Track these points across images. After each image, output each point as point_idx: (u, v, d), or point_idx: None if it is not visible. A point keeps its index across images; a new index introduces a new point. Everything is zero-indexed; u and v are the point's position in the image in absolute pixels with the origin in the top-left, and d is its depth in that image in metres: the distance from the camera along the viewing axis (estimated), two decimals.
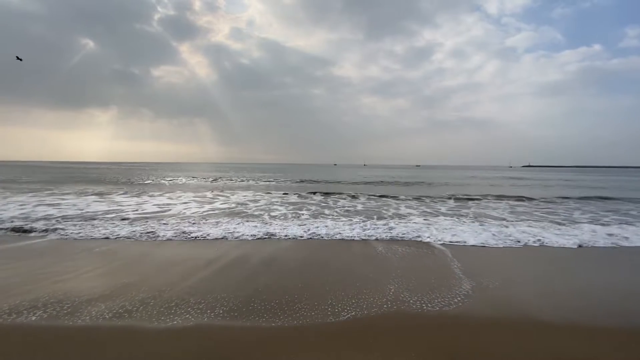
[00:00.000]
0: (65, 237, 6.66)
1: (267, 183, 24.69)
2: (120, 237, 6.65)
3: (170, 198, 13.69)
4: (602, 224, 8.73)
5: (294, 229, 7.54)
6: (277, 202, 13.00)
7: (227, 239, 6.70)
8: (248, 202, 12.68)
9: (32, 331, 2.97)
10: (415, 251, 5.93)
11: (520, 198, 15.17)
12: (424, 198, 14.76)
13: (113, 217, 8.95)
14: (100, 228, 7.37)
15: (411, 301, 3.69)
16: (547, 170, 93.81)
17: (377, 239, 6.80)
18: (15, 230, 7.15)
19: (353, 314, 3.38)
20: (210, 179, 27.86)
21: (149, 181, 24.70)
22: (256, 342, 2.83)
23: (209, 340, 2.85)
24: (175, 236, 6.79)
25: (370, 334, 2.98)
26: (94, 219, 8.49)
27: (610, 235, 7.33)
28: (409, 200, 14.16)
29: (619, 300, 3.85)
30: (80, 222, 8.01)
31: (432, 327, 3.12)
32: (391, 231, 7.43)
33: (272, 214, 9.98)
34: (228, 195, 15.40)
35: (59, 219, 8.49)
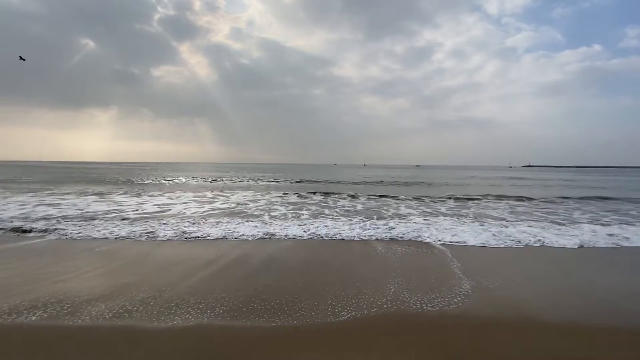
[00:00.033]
0: (66, 237, 6.67)
1: (267, 183, 24.70)
2: (121, 237, 6.65)
3: (170, 198, 13.69)
4: (602, 224, 8.73)
5: (294, 229, 7.54)
6: (277, 202, 13.00)
7: (227, 239, 6.70)
8: (248, 202, 12.68)
9: (32, 331, 2.97)
10: (415, 251, 5.94)
11: (520, 198, 15.17)
12: (424, 198, 14.76)
13: (113, 217, 8.95)
14: (100, 228, 7.37)
15: (411, 301, 3.69)
16: (547, 170, 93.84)
17: (377, 239, 6.80)
18: (16, 230, 7.15)
19: (353, 314, 3.38)
20: (210, 179, 27.86)
21: (149, 181, 24.70)
22: (256, 342, 2.83)
23: (209, 340, 2.85)
24: (175, 236, 6.79)
25: (370, 334, 2.98)
26: (94, 219, 8.49)
27: (610, 235, 7.34)
28: (409, 200, 14.16)
29: (619, 300, 3.85)
30: (81, 222, 8.01)
31: (432, 327, 3.12)
32: (391, 231, 7.43)
33: (272, 214, 9.98)
34: (228, 195, 15.40)
35: (59, 219, 8.50)
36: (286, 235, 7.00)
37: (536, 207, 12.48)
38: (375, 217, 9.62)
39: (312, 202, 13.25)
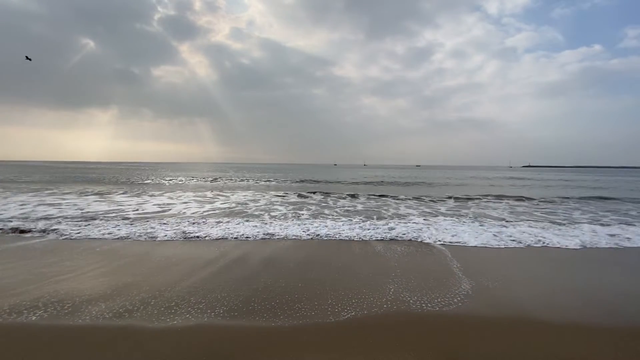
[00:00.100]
0: (66, 237, 6.67)
1: (267, 183, 24.70)
2: (121, 237, 6.66)
3: (170, 198, 13.70)
4: (602, 224, 8.74)
5: (294, 229, 7.55)
6: (277, 202, 13.01)
7: (227, 238, 6.71)
8: (248, 202, 12.68)
9: (33, 331, 2.97)
10: (415, 251, 5.94)
11: (520, 198, 15.18)
12: (424, 198, 14.77)
13: (113, 216, 8.96)
14: (100, 228, 7.38)
15: (411, 301, 3.70)
16: (547, 171, 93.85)
17: (377, 239, 6.81)
18: (16, 230, 7.15)
19: (353, 313, 3.39)
20: (210, 179, 27.87)
21: (149, 181, 24.70)
22: (256, 342, 2.83)
23: (209, 339, 2.86)
24: (175, 236, 6.80)
25: (370, 334, 2.99)
26: (95, 219, 8.49)
27: (611, 235, 7.34)
28: (409, 200, 14.17)
29: (619, 301, 3.86)
30: (81, 222, 8.01)
31: (432, 327, 3.13)
32: (391, 231, 7.43)
33: (272, 213, 9.98)
34: (228, 195, 15.41)
35: (59, 218, 8.50)
36: (286, 235, 7.01)
37: (536, 207, 12.49)
38: (375, 217, 9.63)
39: (312, 202, 13.26)
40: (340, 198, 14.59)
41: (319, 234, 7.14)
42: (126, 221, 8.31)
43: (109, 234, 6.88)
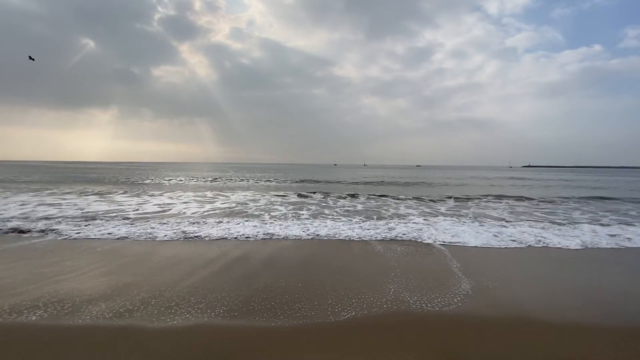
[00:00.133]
0: (66, 236, 6.67)
1: (267, 183, 24.70)
2: (121, 237, 6.66)
3: (170, 198, 13.70)
4: (602, 224, 8.74)
5: (294, 229, 7.55)
6: (277, 202, 13.01)
7: (227, 238, 6.71)
8: (248, 202, 12.68)
9: (33, 330, 2.97)
10: (415, 251, 5.94)
11: (520, 198, 15.18)
12: (424, 198, 14.77)
13: (114, 216, 8.96)
14: (100, 228, 7.38)
15: (411, 301, 3.70)
16: (547, 171, 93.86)
17: (377, 239, 6.81)
18: (16, 230, 7.15)
19: (353, 313, 3.39)
20: (210, 179, 27.87)
21: (149, 181, 24.70)
22: (256, 342, 2.83)
23: (209, 339, 2.86)
24: (176, 236, 6.80)
25: (370, 334, 2.99)
26: (95, 219, 8.49)
27: (610, 235, 7.35)
28: (409, 200, 14.17)
29: (618, 300, 3.86)
30: (81, 222, 8.02)
31: (432, 327, 3.13)
32: (391, 231, 7.44)
33: (272, 213, 9.98)
34: (228, 195, 15.41)
35: (59, 218, 8.50)
36: (286, 235, 7.01)
37: (536, 207, 12.49)
38: (375, 217, 9.63)
39: (312, 202, 13.26)
40: (340, 198, 14.59)
41: (319, 234, 7.14)
42: (126, 221, 8.31)
43: (109, 234, 6.88)
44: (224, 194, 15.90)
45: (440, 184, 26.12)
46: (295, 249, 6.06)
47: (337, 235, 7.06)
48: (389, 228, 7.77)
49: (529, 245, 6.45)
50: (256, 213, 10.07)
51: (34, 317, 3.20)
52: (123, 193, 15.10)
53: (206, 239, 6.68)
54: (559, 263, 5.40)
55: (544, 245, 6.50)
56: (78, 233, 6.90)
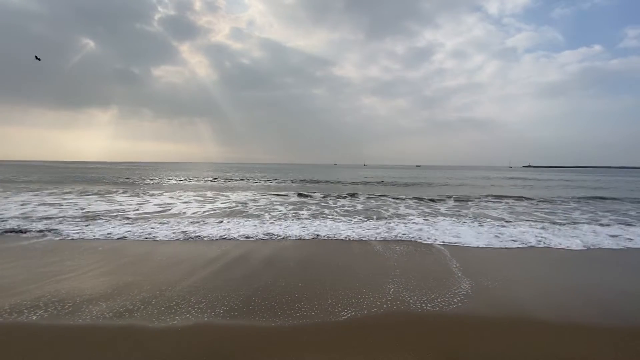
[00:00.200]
0: (67, 236, 6.68)
1: (267, 183, 24.70)
2: (121, 237, 6.66)
3: (170, 198, 13.70)
4: (602, 225, 8.74)
5: (294, 229, 7.56)
6: (277, 201, 13.01)
7: (227, 238, 6.71)
8: (248, 202, 12.69)
9: (34, 330, 2.98)
10: (415, 251, 5.95)
11: (519, 198, 15.19)
12: (423, 198, 14.77)
13: (114, 216, 8.96)
14: (101, 227, 7.38)
15: (411, 301, 3.70)
16: (547, 171, 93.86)
17: (377, 239, 6.81)
18: (17, 229, 7.16)
19: (353, 313, 3.39)
20: (210, 179, 27.87)
21: (149, 181, 24.71)
22: (256, 342, 2.84)
23: (209, 339, 2.86)
24: (176, 236, 6.80)
25: (370, 334, 2.99)
26: (95, 219, 8.50)
27: (610, 236, 7.35)
28: (409, 200, 14.17)
29: (618, 300, 3.87)
30: (81, 222, 8.02)
31: (431, 327, 3.14)
32: (391, 231, 7.44)
33: (272, 213, 9.99)
34: (228, 194, 15.41)
35: (60, 218, 8.50)
36: (286, 235, 7.01)
37: (536, 207, 12.49)
38: (375, 217, 9.63)
39: (312, 202, 13.26)
40: (340, 198, 14.59)
41: (319, 234, 7.14)
42: (127, 221, 8.32)
43: (109, 233, 6.88)
44: (224, 193, 15.90)
45: (440, 184, 26.12)
46: (295, 249, 6.06)
47: (337, 235, 7.06)
48: (388, 228, 7.77)
49: (529, 246, 6.45)
50: (256, 213, 10.07)
51: (34, 317, 3.20)
52: (123, 193, 15.10)
53: (206, 238, 6.69)
54: (559, 263, 5.40)
55: (544, 245, 6.50)
56: (79, 233, 6.91)
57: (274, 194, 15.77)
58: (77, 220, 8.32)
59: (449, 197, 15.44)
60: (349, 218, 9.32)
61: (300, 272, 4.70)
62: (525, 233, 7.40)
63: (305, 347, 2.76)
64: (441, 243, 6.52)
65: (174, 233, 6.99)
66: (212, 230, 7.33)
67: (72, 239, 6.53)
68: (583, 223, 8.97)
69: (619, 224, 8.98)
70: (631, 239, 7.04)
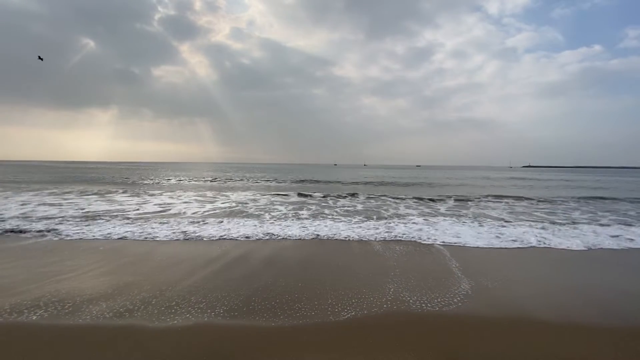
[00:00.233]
0: (67, 236, 6.68)
1: (267, 183, 24.70)
2: (122, 237, 6.67)
3: (170, 197, 13.70)
4: (601, 225, 8.74)
5: (294, 229, 7.56)
6: (277, 201, 13.01)
7: (227, 238, 6.71)
8: (248, 202, 12.69)
9: (34, 330, 2.98)
10: (415, 251, 5.95)
11: (519, 198, 15.18)
12: (423, 198, 14.77)
13: (114, 216, 8.96)
14: (101, 227, 7.38)
15: (411, 301, 3.70)
16: (547, 171, 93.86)
17: (376, 239, 6.81)
18: (17, 229, 7.16)
19: (353, 313, 3.39)
20: (211, 179, 27.87)
21: (149, 181, 24.71)
22: (256, 341, 2.84)
23: (209, 339, 2.86)
24: (176, 236, 6.80)
25: (370, 334, 2.99)
26: (95, 219, 8.50)
27: (611, 236, 7.35)
28: (409, 200, 14.17)
29: (618, 300, 3.87)
30: (82, 222, 8.02)
31: (431, 327, 3.14)
32: (391, 231, 7.44)
33: (272, 213, 9.99)
34: (228, 194, 15.41)
35: (60, 218, 8.50)
36: (286, 235, 7.01)
37: (536, 207, 12.49)
38: (375, 217, 9.63)
39: (312, 202, 13.26)
40: (340, 198, 14.59)
41: (319, 234, 7.14)
42: (127, 221, 8.32)
43: (109, 233, 6.88)
44: (224, 193, 15.90)
45: (440, 184, 26.12)
46: (295, 249, 6.06)
47: (337, 235, 7.06)
48: (388, 228, 7.77)
49: (529, 246, 6.45)
50: (256, 213, 10.08)
51: (34, 317, 3.20)
52: (123, 193, 15.10)
53: (206, 238, 6.69)
54: (558, 263, 5.40)
55: (544, 245, 6.50)
56: (79, 233, 6.91)
57: (274, 194, 15.77)
58: (77, 220, 8.32)
59: (449, 197, 15.44)
60: (349, 218, 9.32)
61: (300, 272, 4.71)
62: (525, 233, 7.40)
63: (305, 347, 2.76)
64: (441, 243, 6.52)
65: (174, 233, 6.99)
66: (212, 230, 7.34)
67: (72, 239, 6.53)
68: (583, 223, 8.97)
69: (619, 224, 8.97)
70: (632, 239, 7.04)
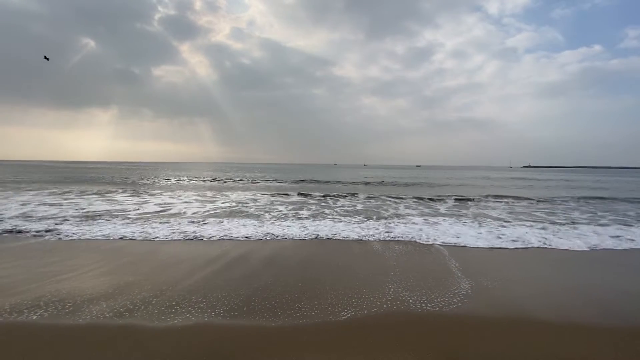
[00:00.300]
0: (67, 236, 6.68)
1: (267, 183, 24.71)
2: (122, 237, 6.67)
3: (170, 197, 13.71)
4: (601, 225, 8.74)
5: (294, 229, 7.56)
6: (277, 201, 13.01)
7: (227, 238, 6.71)
8: (248, 202, 12.69)
9: (34, 330, 2.98)
10: (415, 251, 5.95)
11: (519, 198, 15.19)
12: (423, 198, 14.77)
13: (114, 216, 8.97)
14: (101, 227, 7.39)
15: (410, 301, 3.70)
16: (547, 171, 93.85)
17: (376, 239, 6.81)
18: (17, 229, 7.16)
19: (353, 313, 3.39)
20: (211, 179, 27.88)
21: (149, 181, 24.71)
22: (257, 341, 2.84)
23: (209, 339, 2.86)
24: (176, 236, 6.80)
25: (370, 334, 2.99)
26: (95, 219, 8.50)
27: (611, 236, 7.35)
28: (409, 200, 14.17)
29: (618, 300, 3.87)
30: (82, 222, 8.02)
31: (431, 327, 3.14)
32: (391, 231, 7.44)
33: (272, 213, 9.99)
34: (228, 194, 15.41)
35: (60, 218, 8.51)
36: (286, 235, 7.01)
37: (535, 207, 12.49)
38: (374, 217, 9.63)
39: (312, 201, 13.26)
40: (340, 198, 14.59)
41: (319, 234, 7.14)
42: (127, 221, 8.32)
43: (109, 233, 6.88)
44: (224, 193, 15.91)
45: (440, 184, 26.12)
46: (295, 249, 6.07)
47: (336, 235, 7.06)
48: (388, 228, 7.78)
49: (529, 246, 6.45)
50: (256, 213, 10.08)
51: (34, 317, 3.20)
52: (123, 193, 15.11)
53: (206, 238, 6.69)
54: (558, 263, 5.40)
55: (544, 245, 6.50)
56: (79, 232, 6.91)
57: (274, 194, 15.77)
58: (77, 220, 8.32)
59: (449, 197, 15.44)
60: (349, 218, 9.32)
61: (300, 272, 4.71)
62: (525, 233, 7.40)
63: (305, 347, 2.76)
64: (441, 243, 6.52)
65: (174, 233, 6.99)
66: (212, 230, 7.34)
67: (72, 239, 6.54)
68: (583, 223, 8.97)
69: (619, 224, 8.97)
70: (633, 240, 7.04)
